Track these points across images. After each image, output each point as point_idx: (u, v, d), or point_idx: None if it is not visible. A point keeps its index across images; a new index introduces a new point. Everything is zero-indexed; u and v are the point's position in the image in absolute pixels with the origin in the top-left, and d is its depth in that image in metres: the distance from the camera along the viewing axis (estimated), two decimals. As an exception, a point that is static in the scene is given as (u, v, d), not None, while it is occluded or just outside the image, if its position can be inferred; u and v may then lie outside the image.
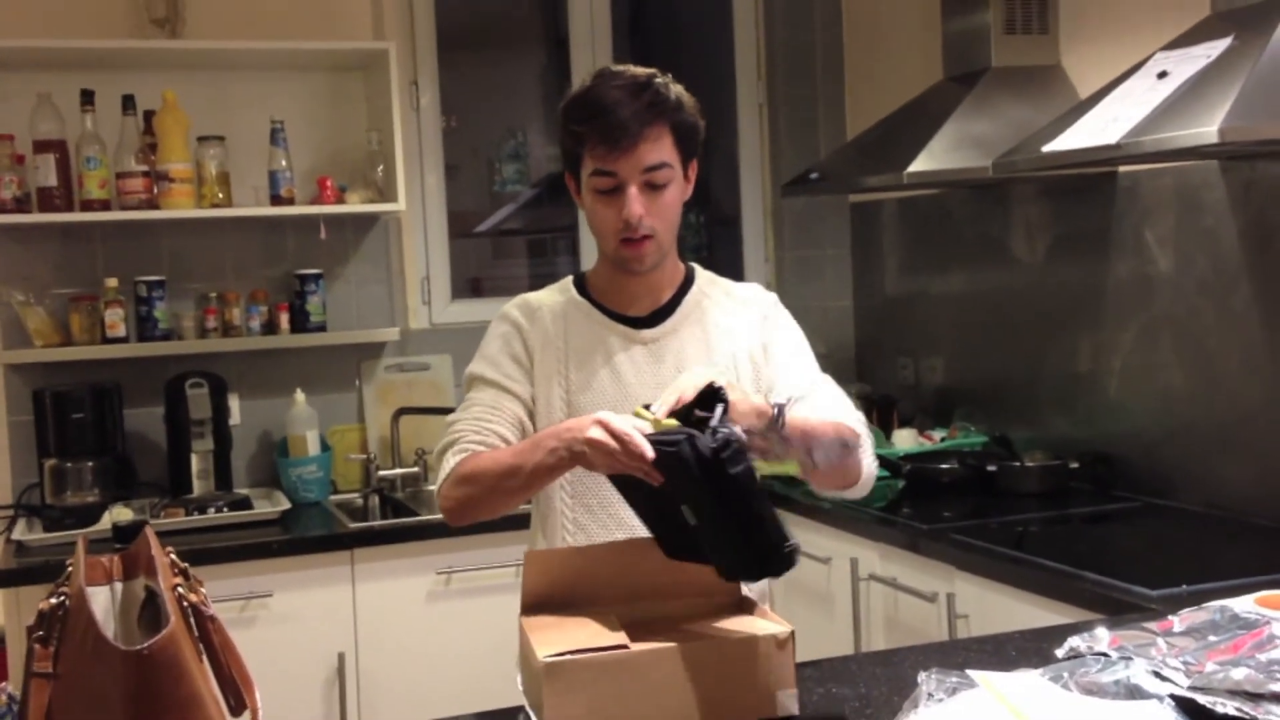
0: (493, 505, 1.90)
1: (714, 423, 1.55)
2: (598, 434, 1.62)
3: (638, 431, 1.59)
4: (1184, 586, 2.24)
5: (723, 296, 2.06)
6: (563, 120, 1.93)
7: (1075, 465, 3.15)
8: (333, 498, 3.59)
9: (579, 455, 1.69)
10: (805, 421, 1.80)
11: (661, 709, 1.59)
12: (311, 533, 3.24)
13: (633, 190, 1.87)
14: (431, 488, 3.69)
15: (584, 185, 1.93)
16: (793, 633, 1.62)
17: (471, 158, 4.18)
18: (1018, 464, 3.19)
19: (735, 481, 1.52)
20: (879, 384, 4.04)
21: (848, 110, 4.20)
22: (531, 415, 1.99)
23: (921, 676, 1.52)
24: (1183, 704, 1.46)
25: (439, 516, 3.33)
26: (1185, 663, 1.55)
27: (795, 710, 1.62)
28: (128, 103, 3.36)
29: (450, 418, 2.00)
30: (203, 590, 1.33)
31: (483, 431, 1.94)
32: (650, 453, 1.57)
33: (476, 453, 1.91)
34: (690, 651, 1.59)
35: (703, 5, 4.34)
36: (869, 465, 1.94)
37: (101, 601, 1.35)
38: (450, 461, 1.93)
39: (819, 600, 3.15)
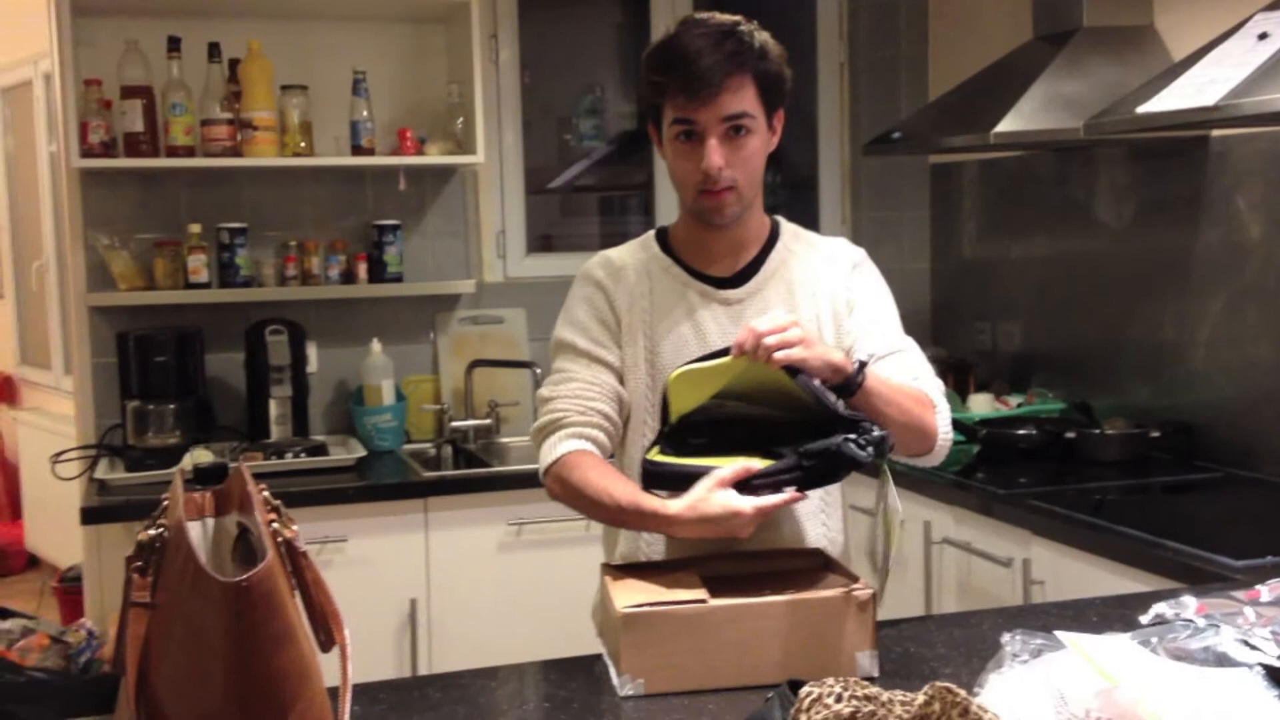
0: (592, 518, 1.93)
1: (863, 425, 1.65)
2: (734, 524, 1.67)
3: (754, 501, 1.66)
4: (1269, 557, 2.21)
5: (807, 250, 2.02)
6: (644, 70, 1.90)
7: (1156, 434, 3.10)
8: (406, 447, 3.63)
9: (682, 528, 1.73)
10: (883, 384, 1.79)
11: (738, 665, 1.59)
12: (386, 480, 3.28)
13: (713, 141, 1.84)
14: (503, 440, 3.72)
15: (665, 135, 1.90)
16: (875, 594, 1.62)
17: (544, 115, 4.17)
18: (1097, 431, 3.15)
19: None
20: (955, 348, 3.99)
21: (931, 72, 4.14)
22: (621, 379, 1.96)
23: (1005, 637, 1.50)
24: (1272, 673, 1.44)
25: (511, 468, 3.44)
26: (1274, 632, 1.53)
27: (875, 672, 1.62)
28: (213, 50, 3.39)
29: (545, 391, 1.95)
30: (294, 528, 1.34)
31: (586, 412, 1.90)
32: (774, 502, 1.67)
33: (586, 460, 1.87)
34: (768, 609, 1.59)
35: (785, -38, 4.29)
36: (945, 434, 1.91)
37: (195, 535, 1.37)
38: (557, 449, 1.89)
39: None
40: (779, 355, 1.66)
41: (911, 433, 1.84)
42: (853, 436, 1.62)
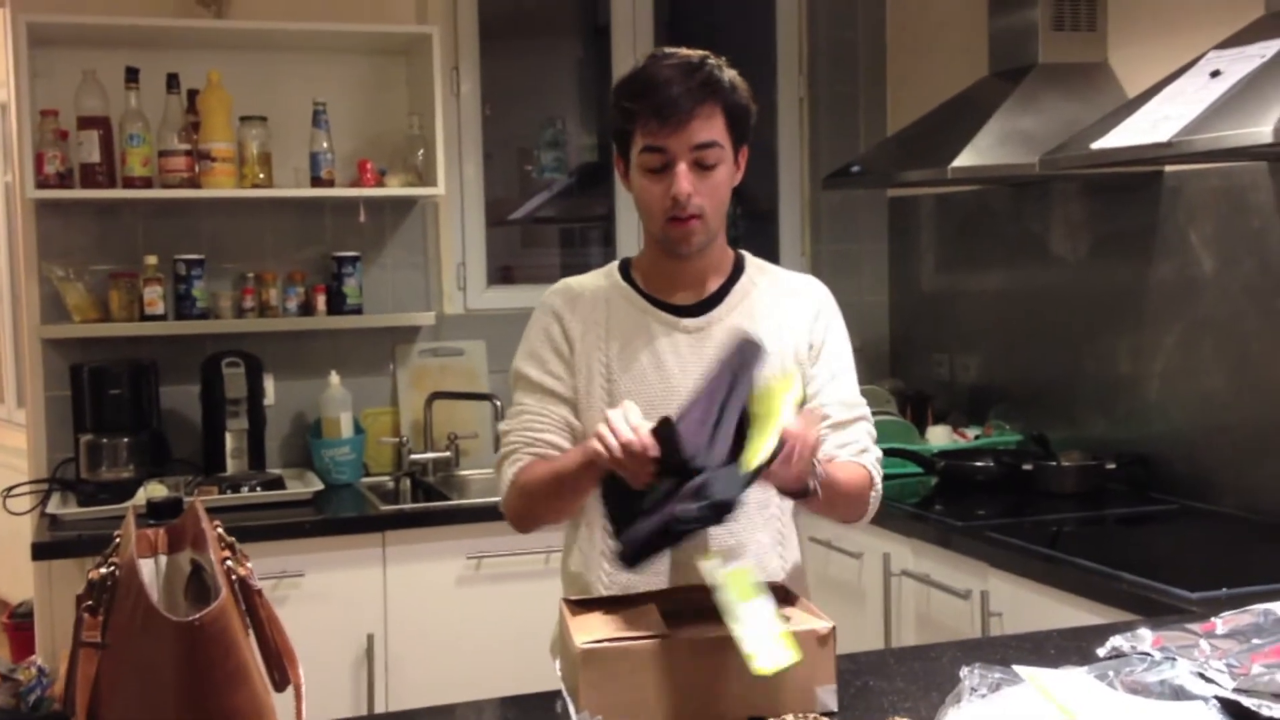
0: (549, 513, 1.96)
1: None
2: (602, 431, 1.66)
3: (635, 431, 1.63)
4: (1224, 590, 2.22)
5: (772, 285, 2.03)
6: (614, 99, 1.92)
7: (1112, 466, 3.13)
8: (364, 480, 3.60)
9: (593, 458, 1.70)
10: (830, 486, 1.83)
11: (698, 701, 1.58)
12: (343, 514, 3.25)
13: (682, 167, 1.85)
14: (463, 473, 3.70)
15: (633, 164, 1.91)
16: (834, 629, 1.61)
17: (504, 147, 4.18)
18: (1054, 463, 3.17)
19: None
20: (913, 380, 4.02)
21: (889, 107, 4.18)
22: (577, 410, 1.98)
23: (964, 671, 1.50)
24: (1228, 706, 1.45)
25: (471, 501, 3.42)
26: (1229, 665, 1.54)
27: (834, 707, 1.61)
28: (172, 81, 3.37)
29: (503, 425, 2.02)
30: (249, 565, 1.33)
31: (534, 442, 1.95)
32: (652, 450, 1.62)
33: (531, 462, 1.94)
34: (729, 643, 1.57)
35: (745, -2, 4.33)
36: (874, 507, 2.01)
37: (147, 574, 1.36)
38: (508, 473, 1.96)
39: (850, 595, 3.14)
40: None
41: (845, 513, 1.98)
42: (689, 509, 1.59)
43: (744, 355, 1.71)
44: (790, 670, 1.53)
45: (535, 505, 1.94)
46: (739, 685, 1.57)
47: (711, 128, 1.86)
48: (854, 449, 1.97)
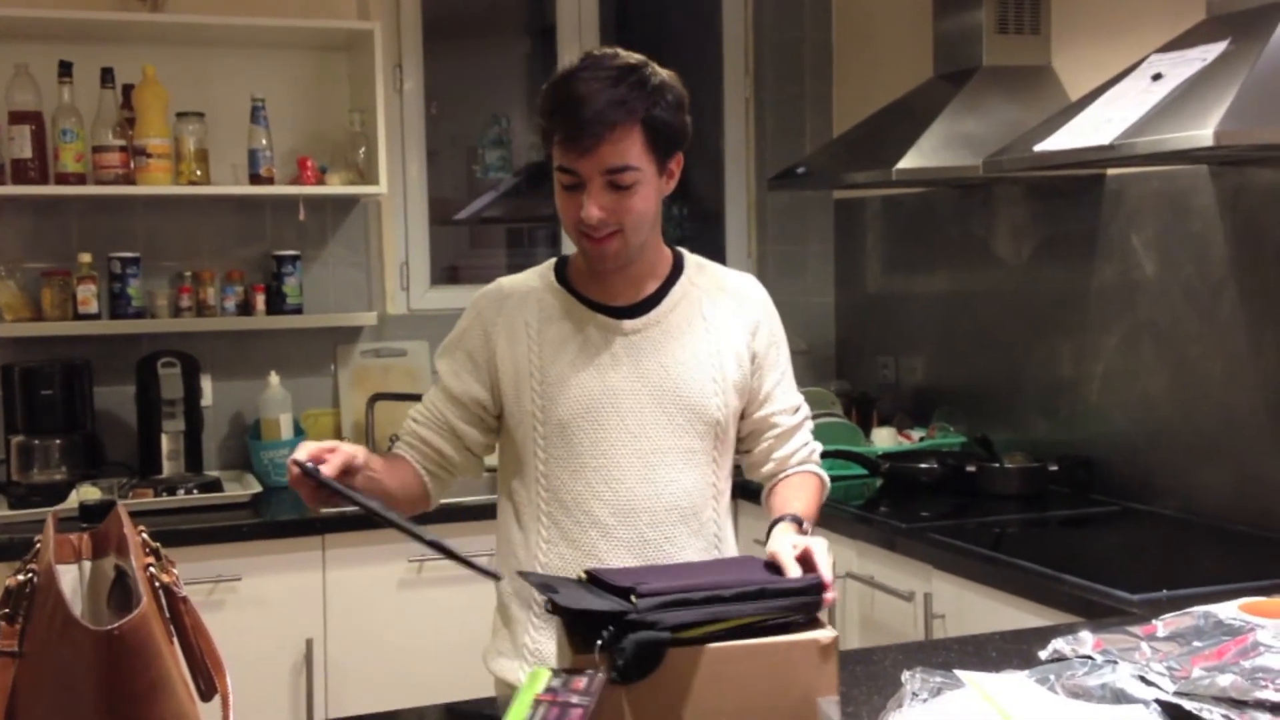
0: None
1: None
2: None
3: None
4: (1164, 591, 2.23)
5: (713, 287, 2.00)
6: (540, 108, 1.87)
7: (1055, 468, 3.14)
8: (305, 482, 3.54)
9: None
10: (807, 508, 1.94)
11: (697, 712, 1.51)
12: (282, 517, 3.19)
13: (592, 189, 1.80)
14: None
15: (555, 175, 1.87)
16: (836, 638, 1.51)
17: (451, 145, 4.14)
18: (997, 465, 3.18)
19: None
20: (859, 381, 4.02)
21: (835, 108, 4.18)
22: (485, 408, 1.96)
23: (906, 675, 1.50)
24: (1168, 709, 1.45)
25: (413, 504, 3.36)
26: (1170, 668, 1.54)
27: (838, 718, 1.55)
28: (106, 76, 3.31)
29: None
30: (174, 571, 1.29)
31: (411, 435, 2.00)
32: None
33: (398, 456, 2.00)
34: (726, 653, 1.49)
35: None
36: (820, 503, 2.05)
37: (70, 580, 1.32)
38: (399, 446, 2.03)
39: (794, 597, 3.12)
40: None
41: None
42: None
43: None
44: (790, 681, 1.48)
45: None
46: (738, 696, 1.50)
47: (624, 151, 1.79)
48: (804, 453, 2.06)
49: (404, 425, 2.02)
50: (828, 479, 2.08)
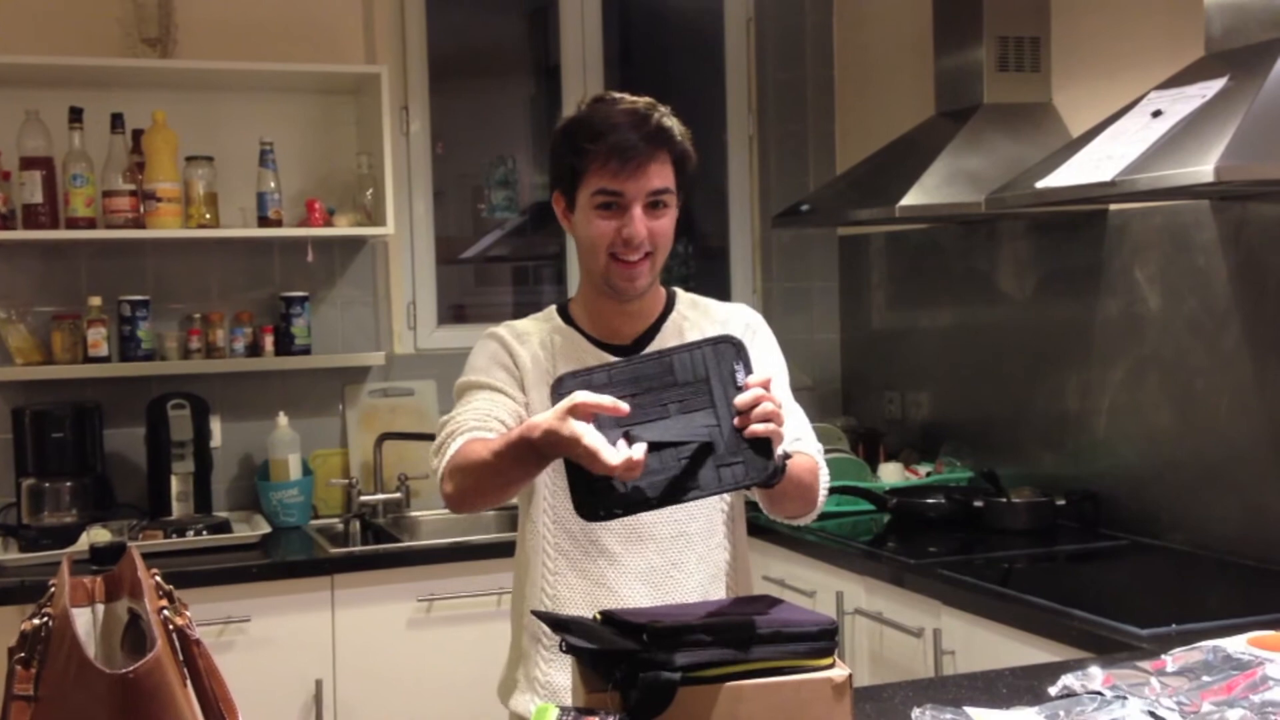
0: (484, 495, 1.83)
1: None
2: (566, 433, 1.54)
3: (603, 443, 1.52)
4: (1173, 626, 2.22)
5: (702, 317, 2.06)
6: (564, 139, 1.92)
7: (1062, 503, 3.14)
8: (313, 522, 3.56)
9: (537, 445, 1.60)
10: (791, 471, 1.80)
11: None
12: (291, 557, 3.20)
13: (637, 210, 1.88)
14: (413, 514, 3.67)
15: (581, 203, 1.91)
16: (850, 676, 1.48)
17: (457, 185, 4.17)
18: (1004, 500, 3.18)
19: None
20: (865, 417, 4.03)
21: (838, 145, 4.21)
22: (521, 419, 1.93)
23: (916, 713, 1.50)
24: (1179, 744, 1.45)
25: (422, 542, 3.38)
26: (1180, 703, 1.54)
27: None
28: (116, 121, 3.34)
29: (444, 418, 1.95)
30: (187, 614, 1.30)
31: (484, 418, 1.90)
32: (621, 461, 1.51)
33: (469, 440, 1.85)
34: (740, 692, 1.46)
35: (694, 38, 4.35)
36: (823, 497, 1.98)
37: (83, 623, 1.32)
38: (450, 449, 1.87)
39: (803, 634, 3.12)
40: (758, 428, 1.55)
41: (801, 504, 1.93)
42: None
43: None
44: None
45: (470, 485, 1.82)
46: None
47: (664, 174, 1.89)
48: (791, 436, 1.92)
49: (461, 423, 1.90)
50: (825, 469, 1.99)
